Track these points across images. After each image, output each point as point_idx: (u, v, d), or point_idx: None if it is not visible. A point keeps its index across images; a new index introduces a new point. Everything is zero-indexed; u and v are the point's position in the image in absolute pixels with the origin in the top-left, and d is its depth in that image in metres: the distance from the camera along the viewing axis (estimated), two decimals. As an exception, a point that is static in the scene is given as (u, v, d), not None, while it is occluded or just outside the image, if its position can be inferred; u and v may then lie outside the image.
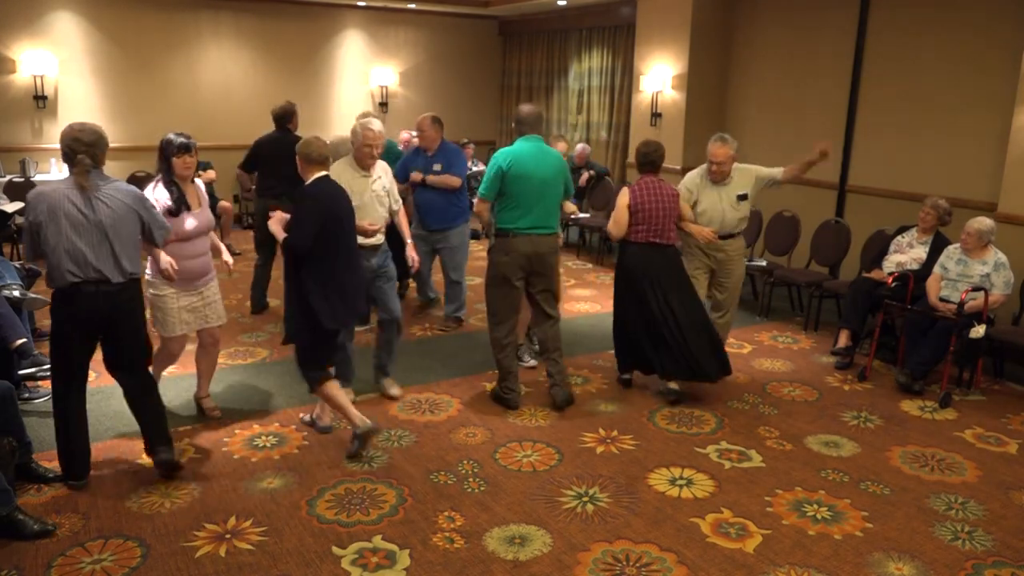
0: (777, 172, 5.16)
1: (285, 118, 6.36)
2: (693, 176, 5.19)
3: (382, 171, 4.72)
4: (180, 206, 4.10)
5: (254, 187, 6.77)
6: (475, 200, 4.82)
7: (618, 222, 4.84)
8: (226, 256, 4.49)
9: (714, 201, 5.07)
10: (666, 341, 4.73)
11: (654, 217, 4.75)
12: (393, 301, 4.76)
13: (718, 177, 5.06)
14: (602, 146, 10.22)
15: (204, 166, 7.83)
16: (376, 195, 4.62)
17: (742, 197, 5.10)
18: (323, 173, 3.96)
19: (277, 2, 10.36)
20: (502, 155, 4.60)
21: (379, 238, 4.61)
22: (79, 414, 3.70)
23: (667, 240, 4.81)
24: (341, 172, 4.43)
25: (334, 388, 4.06)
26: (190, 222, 4.15)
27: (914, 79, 6.68)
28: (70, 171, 3.54)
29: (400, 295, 5.89)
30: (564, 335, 5.33)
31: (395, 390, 4.89)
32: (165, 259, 3.92)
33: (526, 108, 4.74)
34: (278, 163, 6.03)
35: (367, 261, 4.48)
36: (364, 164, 4.57)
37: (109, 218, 3.50)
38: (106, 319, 3.58)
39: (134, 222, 3.60)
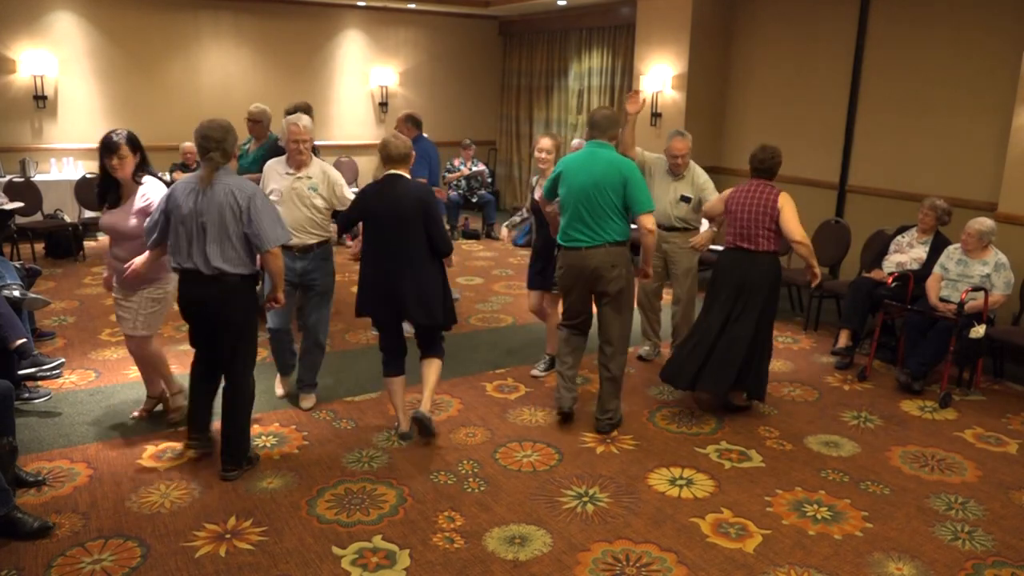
0: (707, 203, 5.11)
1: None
2: (657, 158, 5.38)
3: (319, 174, 4.49)
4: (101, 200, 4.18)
5: None
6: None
7: (709, 207, 4.98)
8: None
9: (663, 192, 5.29)
10: (699, 348, 4.62)
11: (739, 221, 4.58)
12: (315, 319, 4.60)
13: (677, 171, 5.30)
14: (602, 146, 10.22)
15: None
16: (298, 193, 4.42)
17: (685, 199, 5.30)
18: (391, 172, 4.09)
19: (277, 2, 10.35)
20: (560, 161, 4.48)
21: (304, 240, 4.45)
22: (205, 393, 3.99)
23: (756, 246, 4.55)
24: (269, 168, 4.57)
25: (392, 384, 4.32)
26: (104, 219, 4.16)
27: (914, 79, 6.68)
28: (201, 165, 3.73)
29: None
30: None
31: (307, 403, 4.71)
32: (136, 262, 3.98)
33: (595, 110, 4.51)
34: None
35: (291, 263, 4.37)
36: (292, 161, 4.46)
37: (209, 213, 3.62)
38: (201, 309, 3.76)
39: (233, 220, 3.64)
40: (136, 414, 4.47)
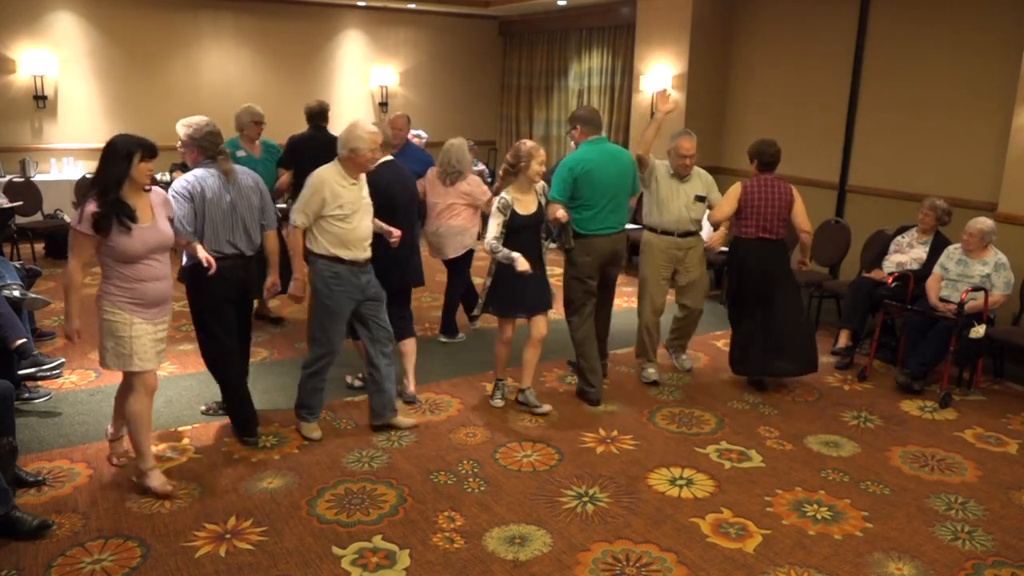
0: (715, 208, 5.17)
1: (320, 116, 6.52)
2: (663, 164, 5.26)
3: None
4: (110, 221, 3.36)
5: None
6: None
7: (720, 210, 5.08)
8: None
9: (672, 195, 5.16)
10: (756, 334, 4.99)
11: (761, 214, 4.94)
12: (383, 315, 4.31)
13: (685, 171, 5.16)
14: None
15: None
16: (366, 202, 4.15)
17: (700, 198, 5.20)
18: (389, 158, 4.57)
19: (277, 2, 10.35)
20: (571, 159, 4.74)
21: (368, 253, 4.18)
22: (238, 378, 4.20)
23: (776, 235, 5.00)
24: (327, 181, 4.00)
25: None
26: (143, 239, 3.43)
27: (914, 79, 6.68)
28: (212, 161, 3.98)
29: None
30: (562, 337, 5.34)
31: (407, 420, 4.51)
32: (202, 253, 3.80)
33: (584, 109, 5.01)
34: (315, 161, 5.73)
35: (356, 279, 4.11)
36: (359, 171, 4.09)
37: (245, 200, 4.01)
38: (240, 285, 4.07)
39: (258, 200, 4.10)
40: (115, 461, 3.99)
